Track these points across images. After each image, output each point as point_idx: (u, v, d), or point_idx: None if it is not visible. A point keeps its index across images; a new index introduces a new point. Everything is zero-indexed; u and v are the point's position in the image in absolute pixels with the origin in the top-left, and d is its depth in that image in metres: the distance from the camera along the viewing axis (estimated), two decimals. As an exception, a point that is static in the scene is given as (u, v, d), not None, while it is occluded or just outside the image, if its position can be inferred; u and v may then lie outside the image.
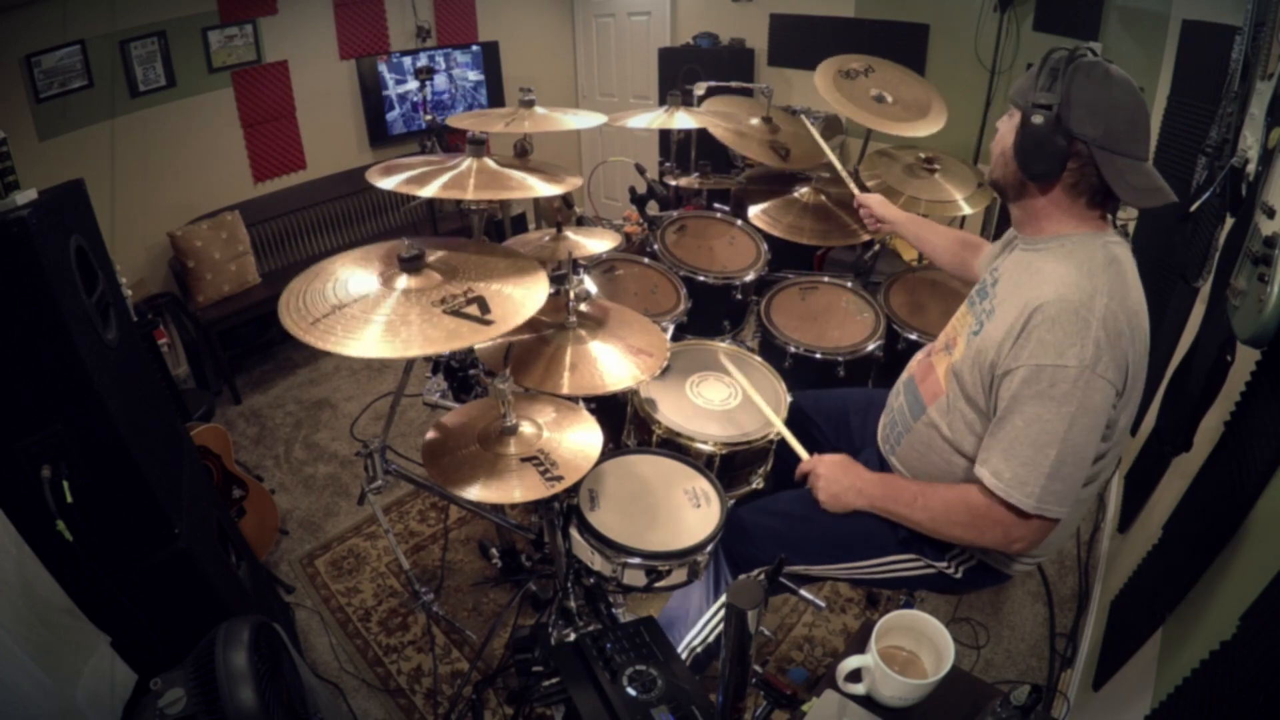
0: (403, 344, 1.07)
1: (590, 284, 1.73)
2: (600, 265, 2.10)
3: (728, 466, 1.53)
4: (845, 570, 1.33)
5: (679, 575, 1.26)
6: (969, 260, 1.56)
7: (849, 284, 2.11)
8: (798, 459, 1.38)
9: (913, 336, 1.91)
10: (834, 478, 1.29)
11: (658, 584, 1.25)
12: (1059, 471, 1.01)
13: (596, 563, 1.26)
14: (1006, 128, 1.12)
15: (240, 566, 1.62)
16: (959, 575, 1.27)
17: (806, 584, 1.42)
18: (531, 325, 1.50)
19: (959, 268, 1.60)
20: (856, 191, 1.89)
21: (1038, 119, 1.03)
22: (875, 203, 1.80)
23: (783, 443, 1.53)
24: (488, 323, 1.12)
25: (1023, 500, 1.03)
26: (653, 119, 2.20)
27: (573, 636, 1.38)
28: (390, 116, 3.87)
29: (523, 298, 1.19)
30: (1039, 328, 1.00)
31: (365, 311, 1.12)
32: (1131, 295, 1.03)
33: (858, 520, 1.28)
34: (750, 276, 2.10)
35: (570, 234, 1.85)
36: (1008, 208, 1.20)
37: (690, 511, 1.32)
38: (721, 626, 1.39)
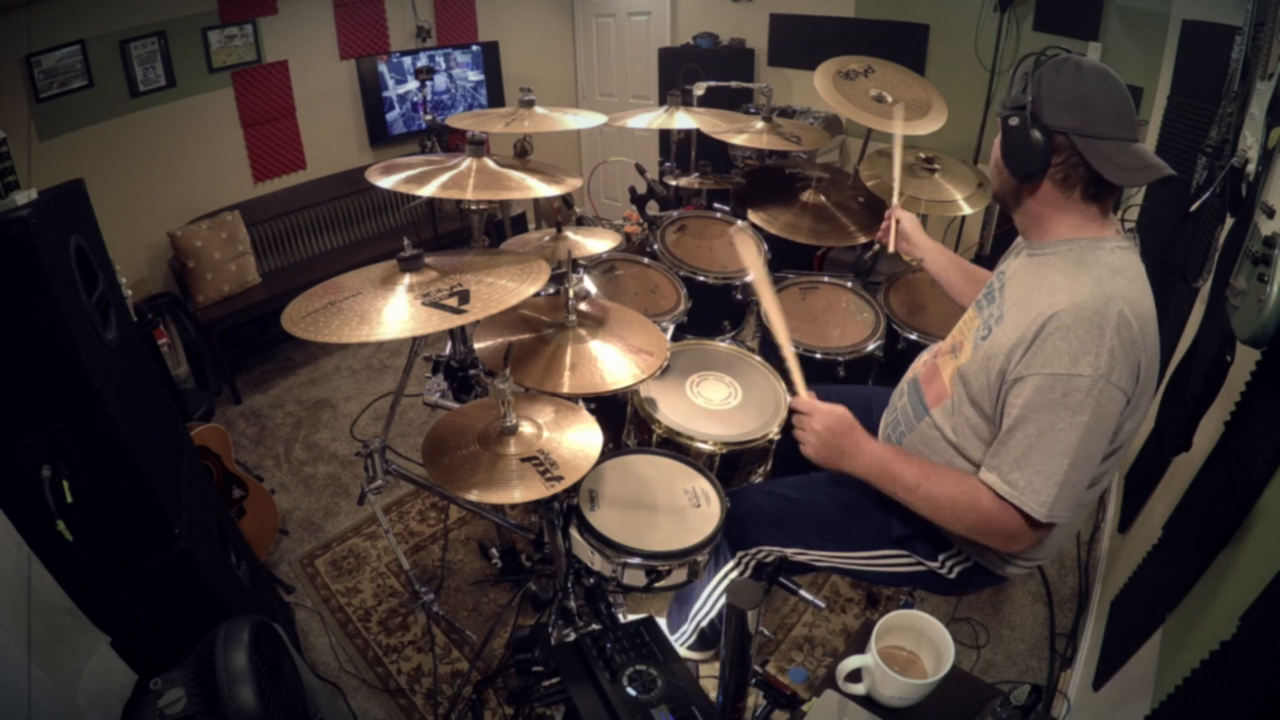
0: (369, 330, 1.09)
1: (590, 284, 1.73)
2: (600, 265, 2.10)
3: (728, 466, 1.53)
4: (835, 558, 1.33)
5: (679, 575, 1.26)
6: None
7: (849, 284, 2.11)
8: (798, 454, 1.31)
9: (913, 336, 1.91)
10: (826, 438, 1.23)
11: (658, 584, 1.25)
12: (1070, 479, 1.00)
13: (596, 563, 1.26)
14: (996, 140, 1.14)
15: (240, 566, 1.61)
16: (952, 575, 1.27)
17: (800, 573, 1.42)
18: (531, 325, 1.51)
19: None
20: (896, 202, 1.73)
21: (1014, 121, 1.06)
22: (908, 220, 1.68)
23: (782, 442, 1.53)
24: (461, 312, 1.13)
25: (1035, 509, 1.02)
26: (653, 119, 2.20)
27: (573, 636, 1.38)
28: (390, 116, 3.87)
29: (507, 290, 1.20)
30: (1053, 335, 1.00)
31: (353, 304, 1.15)
32: (1143, 301, 1.03)
33: (852, 512, 1.28)
34: (750, 276, 2.10)
35: (570, 234, 1.85)
36: (1013, 219, 1.20)
37: (690, 511, 1.32)
38: (725, 599, 1.41)
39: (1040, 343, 1.01)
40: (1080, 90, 1.01)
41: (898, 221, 1.69)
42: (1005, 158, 1.10)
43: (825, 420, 1.23)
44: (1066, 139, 1.02)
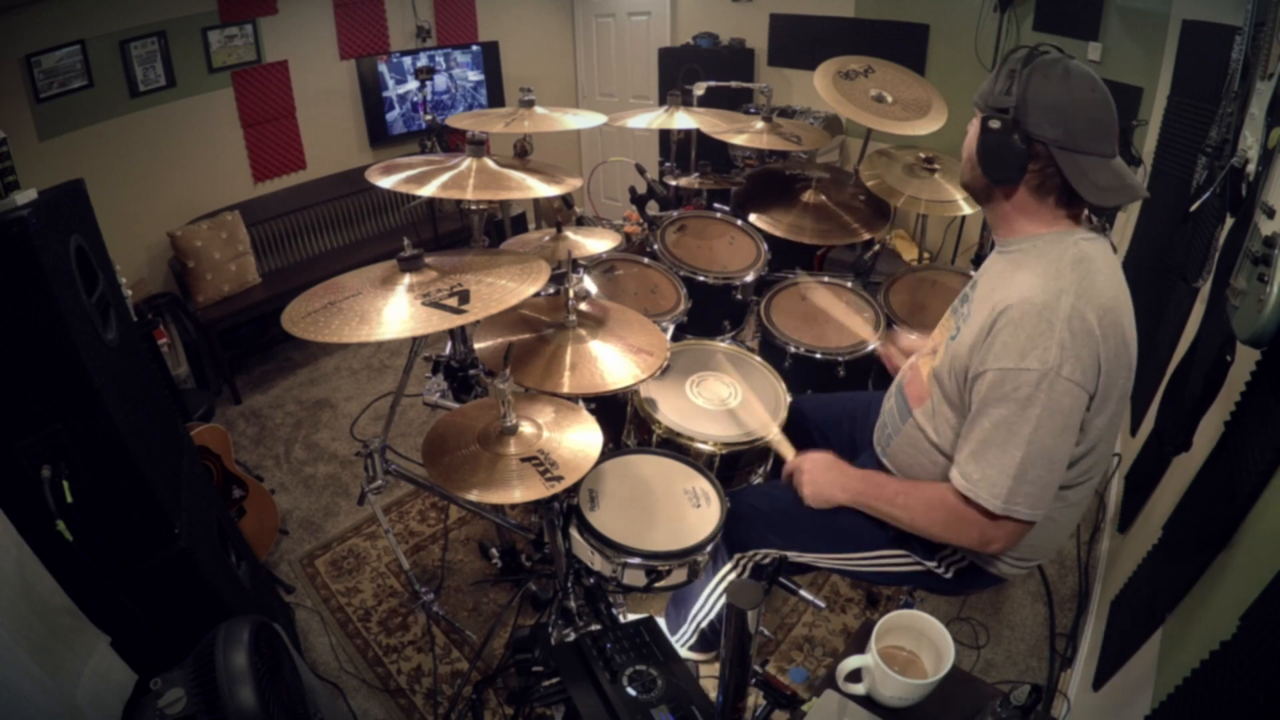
0: (369, 330, 1.10)
1: (590, 284, 1.73)
2: (600, 265, 2.10)
3: (728, 466, 1.53)
4: (835, 560, 1.33)
5: (679, 575, 1.26)
6: None
7: (849, 284, 2.11)
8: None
9: (913, 337, 1.91)
10: (816, 475, 1.30)
11: (658, 584, 1.25)
12: (1026, 474, 1.00)
13: (596, 563, 1.26)
14: (971, 132, 1.11)
15: (240, 566, 1.62)
16: (949, 575, 1.27)
17: (799, 573, 1.43)
18: (531, 325, 1.51)
19: None
20: (875, 344, 1.72)
21: (995, 123, 1.03)
22: (902, 344, 1.64)
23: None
24: (461, 312, 1.14)
25: (989, 501, 1.03)
26: (653, 119, 2.20)
27: (573, 636, 1.38)
28: (390, 116, 3.87)
29: (507, 290, 1.20)
30: (1002, 330, 1.00)
31: (353, 304, 1.15)
32: (1104, 293, 1.01)
33: (850, 513, 1.28)
34: (750, 276, 2.10)
35: (570, 234, 1.85)
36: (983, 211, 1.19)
37: (690, 511, 1.32)
38: (724, 600, 1.41)
39: (991, 338, 1.01)
40: (1066, 98, 0.99)
41: (890, 356, 1.65)
42: (980, 158, 1.08)
43: (812, 459, 1.33)
44: (1046, 149, 1.01)
